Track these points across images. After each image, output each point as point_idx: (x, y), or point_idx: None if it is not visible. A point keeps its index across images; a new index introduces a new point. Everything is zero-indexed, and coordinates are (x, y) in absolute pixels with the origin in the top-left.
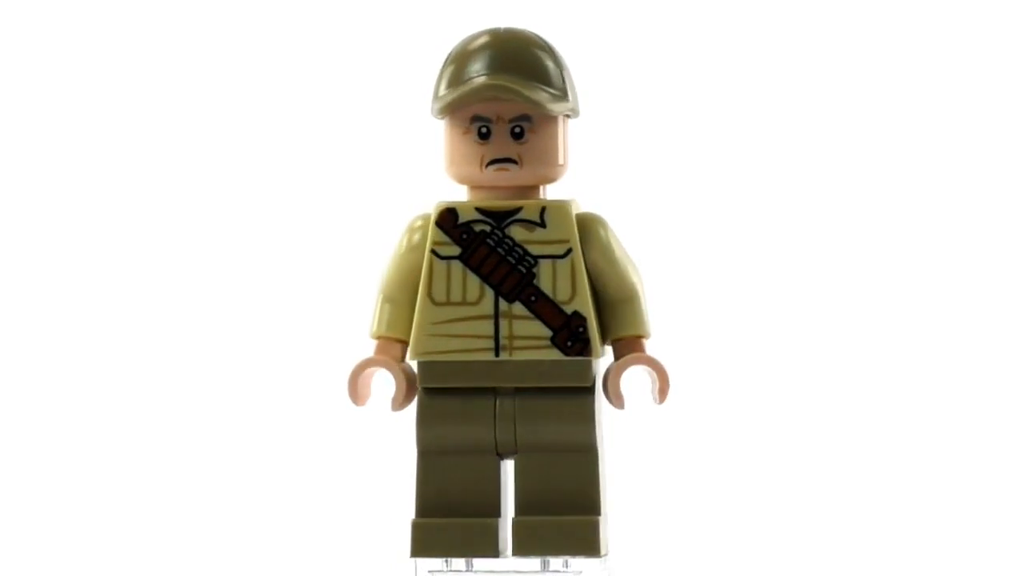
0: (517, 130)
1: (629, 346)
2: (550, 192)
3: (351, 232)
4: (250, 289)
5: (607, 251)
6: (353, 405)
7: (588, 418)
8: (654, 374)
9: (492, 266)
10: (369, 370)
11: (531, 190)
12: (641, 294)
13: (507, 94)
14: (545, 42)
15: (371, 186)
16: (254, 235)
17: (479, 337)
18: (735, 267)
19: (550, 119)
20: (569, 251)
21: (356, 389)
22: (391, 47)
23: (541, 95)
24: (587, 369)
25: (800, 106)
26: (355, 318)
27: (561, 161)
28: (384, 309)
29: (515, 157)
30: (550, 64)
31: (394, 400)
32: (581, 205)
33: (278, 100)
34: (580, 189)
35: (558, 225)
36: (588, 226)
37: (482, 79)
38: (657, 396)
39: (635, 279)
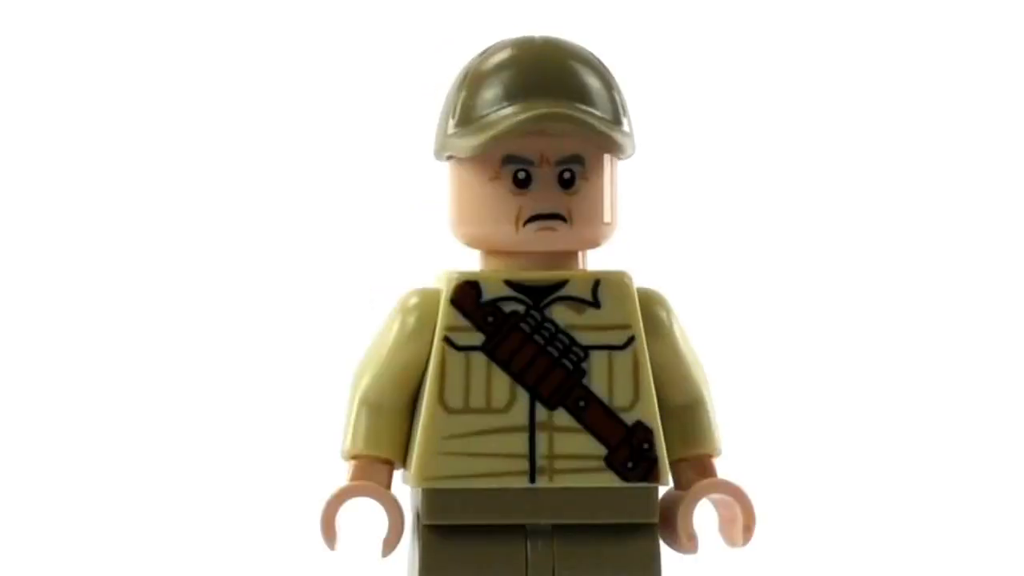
0: (567, 175)
1: (696, 468)
2: (591, 260)
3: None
4: (249, 291)
5: (673, 342)
6: (327, 548)
7: (651, 566)
8: (736, 507)
9: (528, 359)
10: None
11: (569, 258)
12: (709, 398)
13: (573, 127)
14: (597, 58)
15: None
16: (254, 239)
17: (509, 457)
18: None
19: (602, 162)
20: (631, 340)
21: (333, 529)
22: (393, 53)
23: (612, 131)
24: (652, 499)
25: (815, 126)
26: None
27: (608, 219)
28: (364, 418)
29: (564, 213)
30: (611, 89)
31: (386, 542)
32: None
33: (278, 104)
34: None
35: (617, 305)
36: (649, 308)
37: (529, 107)
38: (740, 536)
39: (701, 379)
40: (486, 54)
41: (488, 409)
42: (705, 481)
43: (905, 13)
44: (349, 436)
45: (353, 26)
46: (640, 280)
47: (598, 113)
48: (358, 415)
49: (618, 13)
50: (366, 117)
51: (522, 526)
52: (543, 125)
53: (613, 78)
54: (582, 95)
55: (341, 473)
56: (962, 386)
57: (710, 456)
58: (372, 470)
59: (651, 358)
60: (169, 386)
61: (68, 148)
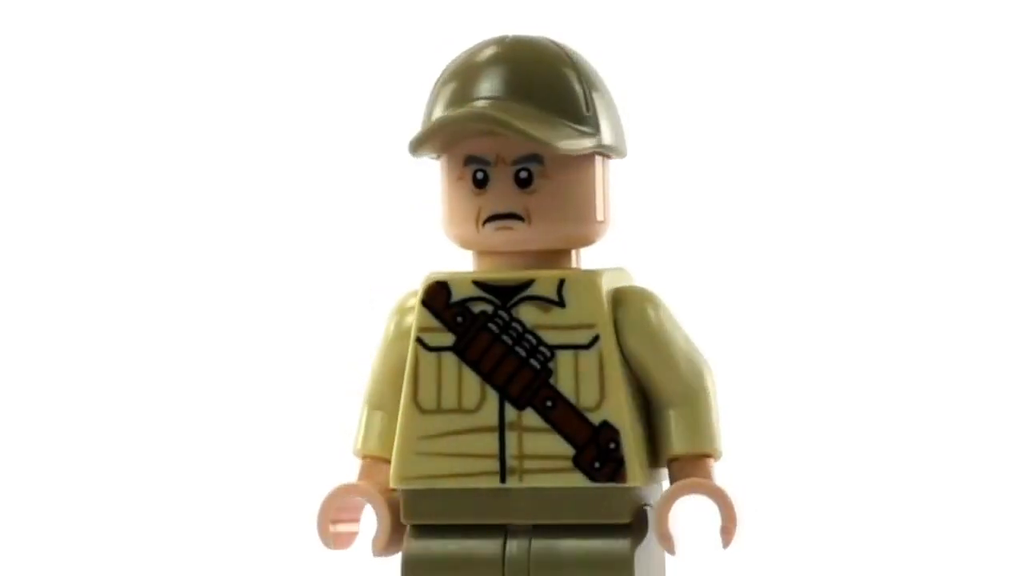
0: (523, 175)
1: (688, 468)
2: (584, 258)
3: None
4: (251, 291)
5: (652, 337)
6: (325, 547)
7: (624, 568)
8: (717, 508)
9: (496, 360)
10: (352, 500)
11: (556, 256)
12: (707, 396)
13: (495, 127)
14: (569, 56)
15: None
16: (258, 240)
17: (480, 457)
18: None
19: (571, 160)
20: (596, 339)
21: (328, 528)
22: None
23: (548, 130)
24: (621, 500)
25: (816, 125)
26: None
27: (601, 217)
28: (366, 418)
29: (520, 212)
30: (572, 86)
31: (376, 542)
32: (634, 277)
33: (279, 106)
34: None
35: (582, 304)
36: (628, 305)
37: (467, 108)
38: (721, 537)
39: (697, 376)
40: (460, 55)
41: (460, 409)
42: (682, 481)
43: (900, 10)
44: (356, 435)
45: (354, 25)
46: (644, 277)
47: (556, 116)
48: (362, 415)
49: (617, 12)
50: (369, 117)
51: (502, 526)
52: (477, 125)
53: (592, 78)
54: (544, 96)
55: (350, 471)
56: (956, 380)
57: (701, 455)
58: (375, 469)
59: (636, 356)
60: (168, 387)
61: (67, 150)
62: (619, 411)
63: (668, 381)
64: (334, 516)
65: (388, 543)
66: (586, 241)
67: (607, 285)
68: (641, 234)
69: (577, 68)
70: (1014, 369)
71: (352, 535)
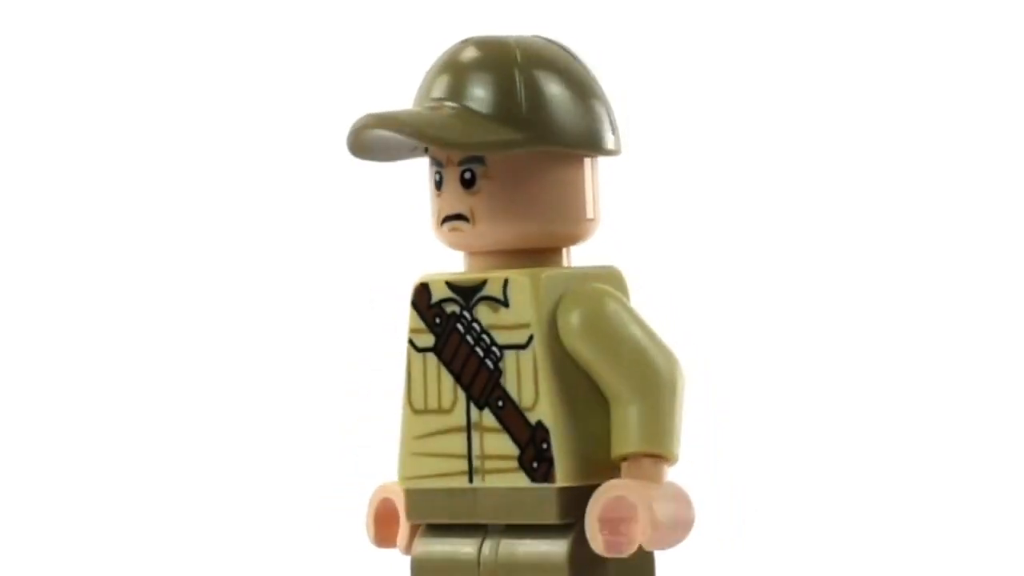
0: (467, 175)
1: (632, 468)
2: (575, 256)
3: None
4: (253, 292)
5: (590, 336)
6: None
7: (562, 569)
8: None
9: (462, 360)
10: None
11: (542, 254)
12: (656, 396)
13: (379, 125)
14: (520, 57)
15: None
16: (264, 240)
17: (454, 457)
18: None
19: (518, 160)
20: (531, 338)
21: (371, 527)
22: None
23: (464, 129)
24: (554, 500)
25: (816, 124)
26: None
27: (591, 215)
28: None
29: (465, 212)
30: (509, 86)
31: (399, 539)
32: (622, 276)
33: (280, 107)
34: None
35: (520, 304)
36: (567, 304)
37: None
38: (638, 537)
39: (647, 375)
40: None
41: (439, 410)
42: (609, 481)
43: (889, 9)
44: None
45: (353, 23)
46: (643, 275)
47: (471, 115)
48: None
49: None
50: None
51: (483, 526)
52: (368, 126)
53: (530, 78)
54: (467, 97)
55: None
56: (950, 376)
57: (643, 455)
58: None
59: (578, 355)
60: (167, 387)
61: (65, 160)
62: (550, 411)
63: (613, 379)
64: (380, 513)
65: (410, 542)
66: (573, 239)
67: (553, 284)
68: (641, 233)
69: (524, 68)
70: (1012, 368)
71: (395, 532)
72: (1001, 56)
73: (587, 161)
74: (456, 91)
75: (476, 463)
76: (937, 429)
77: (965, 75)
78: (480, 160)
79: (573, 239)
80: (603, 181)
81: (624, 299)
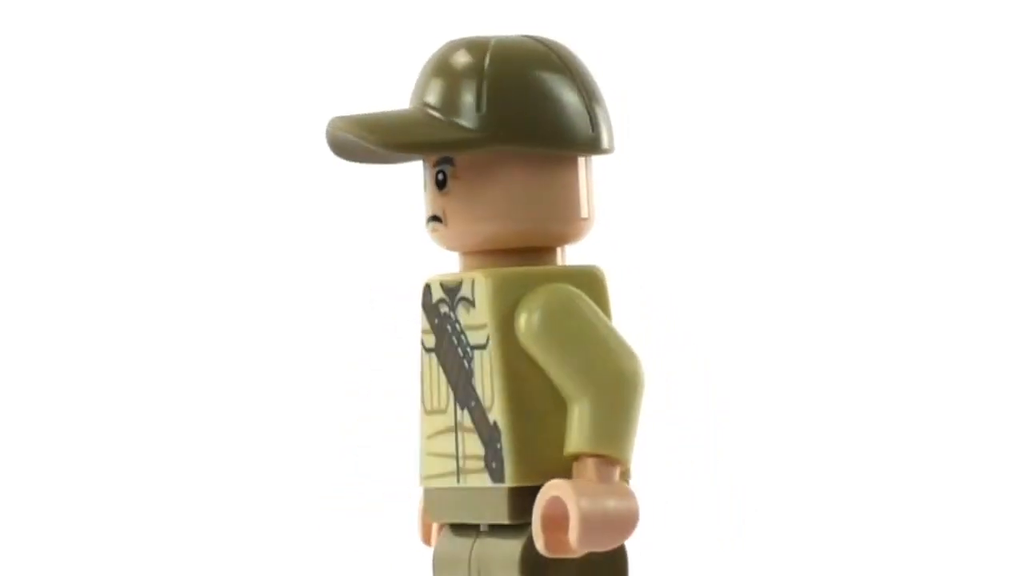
0: (440, 176)
1: (578, 468)
2: (569, 254)
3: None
4: (256, 292)
5: (540, 335)
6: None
7: (514, 569)
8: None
9: (451, 360)
10: None
11: (538, 253)
12: (602, 394)
13: (334, 128)
14: (484, 58)
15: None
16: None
17: (447, 457)
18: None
19: (485, 160)
20: (488, 339)
21: (422, 526)
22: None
23: (414, 130)
24: (502, 501)
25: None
26: None
27: (585, 214)
28: None
29: (439, 213)
30: (468, 86)
31: (424, 535)
32: (602, 275)
33: (281, 107)
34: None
35: (481, 304)
36: (524, 304)
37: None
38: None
39: (597, 376)
40: None
41: (441, 410)
42: (551, 481)
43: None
44: None
45: (352, 21)
46: (640, 275)
47: (431, 116)
48: None
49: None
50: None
51: (477, 525)
52: (332, 130)
53: (490, 79)
54: (432, 97)
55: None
56: (948, 376)
57: (589, 455)
58: None
59: (533, 354)
60: (166, 387)
61: (63, 152)
62: (501, 411)
63: (562, 379)
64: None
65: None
66: (567, 238)
67: (513, 284)
68: (640, 233)
69: (491, 69)
70: (1011, 366)
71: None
72: (1000, 56)
73: (581, 160)
74: (424, 93)
75: (460, 463)
76: (937, 429)
77: (964, 75)
78: (450, 161)
79: (567, 238)
80: (608, 181)
81: (584, 299)
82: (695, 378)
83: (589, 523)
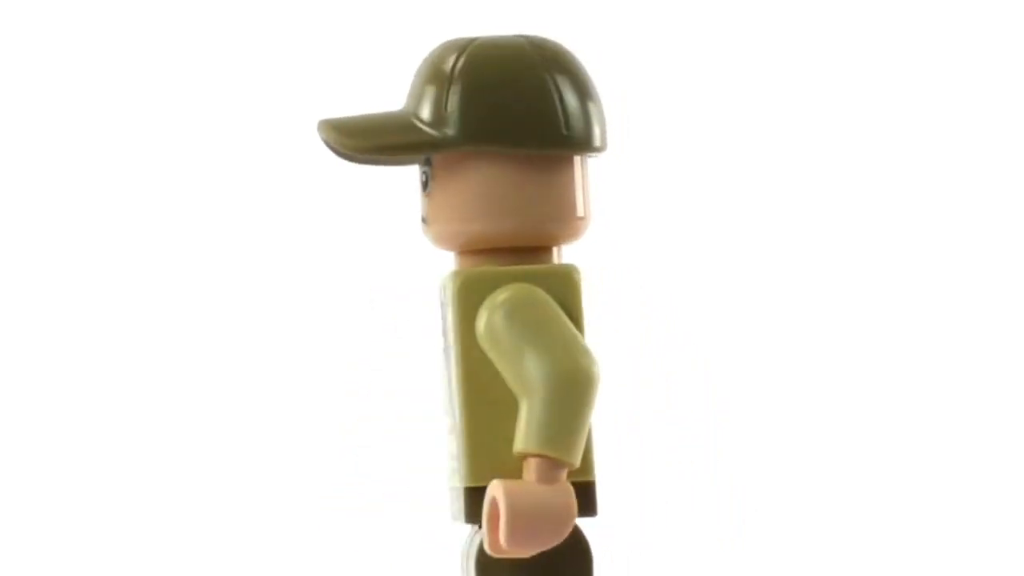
0: (423, 178)
1: (524, 469)
2: (566, 254)
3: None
4: (256, 292)
5: (493, 336)
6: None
7: (466, 565)
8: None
9: (446, 361)
10: None
11: (535, 252)
12: (548, 395)
13: (320, 134)
14: (462, 58)
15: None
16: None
17: (451, 457)
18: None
19: (458, 160)
20: (449, 340)
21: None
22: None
23: (357, 135)
24: (460, 501)
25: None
26: None
27: (581, 213)
28: None
29: (424, 214)
30: (431, 87)
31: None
32: (577, 275)
33: (282, 107)
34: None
35: (449, 305)
36: (486, 304)
37: None
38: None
39: (538, 374)
40: None
41: (447, 411)
42: (493, 481)
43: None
44: None
45: (352, 20)
46: (640, 275)
47: (402, 118)
48: None
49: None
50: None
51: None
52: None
53: (455, 79)
54: (408, 97)
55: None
56: (948, 375)
57: (532, 455)
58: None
59: (492, 356)
60: (166, 387)
61: (62, 153)
62: (460, 413)
63: (511, 380)
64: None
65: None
66: (563, 238)
67: (475, 285)
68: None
69: (462, 71)
70: (1010, 365)
71: None
72: (1000, 56)
73: (576, 160)
74: (408, 97)
75: (453, 463)
76: (937, 428)
77: (964, 75)
78: (429, 163)
79: (563, 238)
80: (608, 181)
81: (543, 299)
82: (695, 378)
83: (515, 522)
